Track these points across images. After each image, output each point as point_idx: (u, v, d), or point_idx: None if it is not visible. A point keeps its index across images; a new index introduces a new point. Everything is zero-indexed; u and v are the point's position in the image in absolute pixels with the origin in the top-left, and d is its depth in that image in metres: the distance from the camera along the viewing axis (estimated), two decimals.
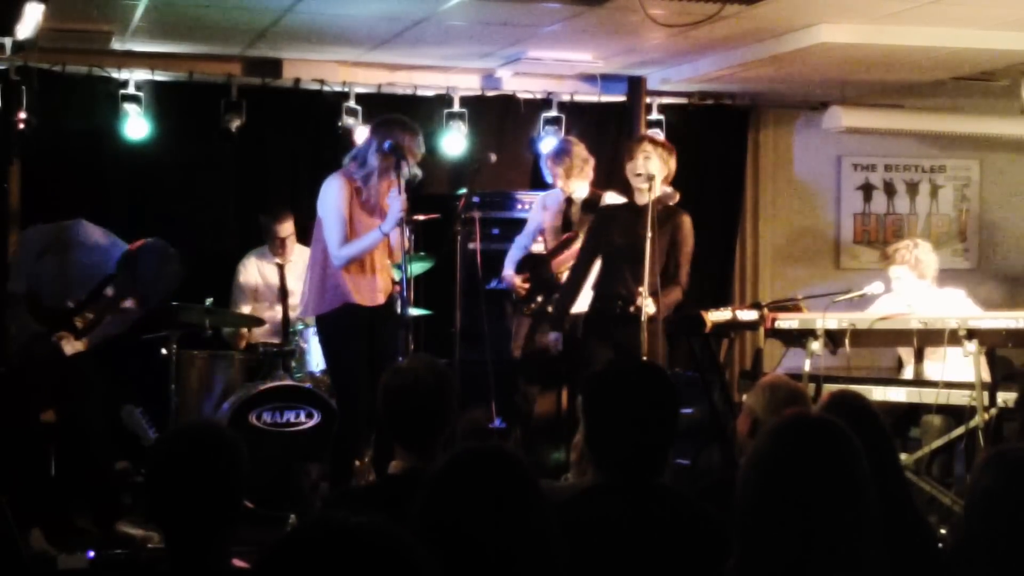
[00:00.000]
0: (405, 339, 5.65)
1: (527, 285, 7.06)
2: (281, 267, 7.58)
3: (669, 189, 6.34)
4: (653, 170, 6.16)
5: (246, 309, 7.52)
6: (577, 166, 6.94)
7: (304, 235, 7.49)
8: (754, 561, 2.19)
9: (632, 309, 6.09)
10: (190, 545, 2.71)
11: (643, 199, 6.17)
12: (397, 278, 5.86)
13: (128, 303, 6.24)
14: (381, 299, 5.88)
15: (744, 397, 4.08)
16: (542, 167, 7.23)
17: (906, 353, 6.64)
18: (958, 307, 6.41)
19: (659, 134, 8.07)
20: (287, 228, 7.50)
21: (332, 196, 5.82)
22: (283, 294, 7.53)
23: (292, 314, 7.41)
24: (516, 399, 7.08)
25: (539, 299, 6.93)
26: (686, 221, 6.34)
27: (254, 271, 7.59)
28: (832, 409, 3.19)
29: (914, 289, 6.61)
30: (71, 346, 6.09)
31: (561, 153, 7.04)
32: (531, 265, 7.05)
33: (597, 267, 6.48)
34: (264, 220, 7.56)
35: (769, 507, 2.20)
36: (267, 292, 7.57)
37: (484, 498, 2.24)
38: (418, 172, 5.80)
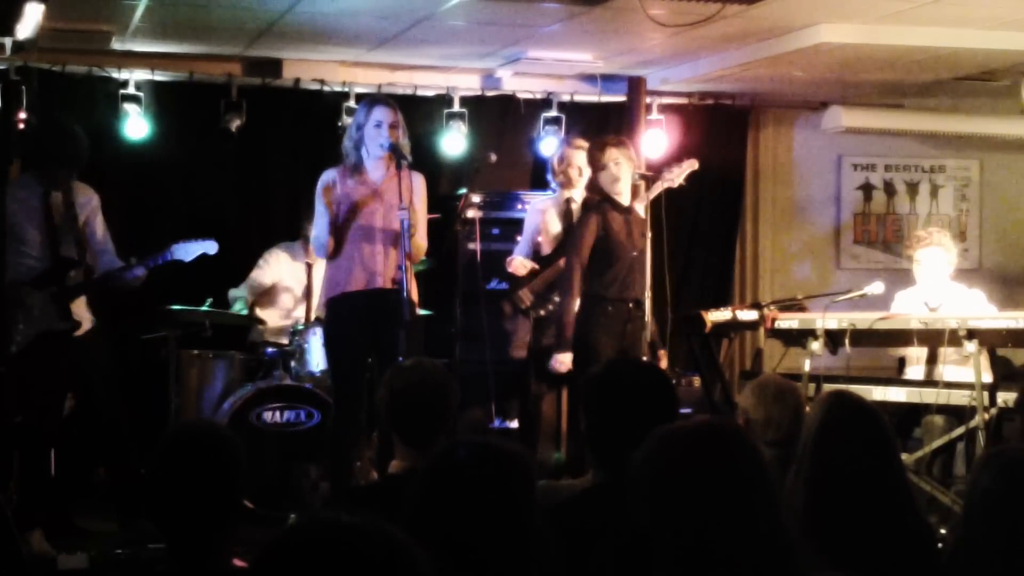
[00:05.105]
0: (409, 339, 5.63)
1: (534, 266, 6.97)
2: (310, 267, 7.51)
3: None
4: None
5: (256, 301, 7.50)
6: (585, 162, 6.94)
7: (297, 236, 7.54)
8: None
9: (637, 309, 6.27)
10: (190, 545, 2.71)
11: (627, 199, 6.44)
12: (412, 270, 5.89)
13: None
14: (379, 283, 5.81)
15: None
16: (552, 163, 7.14)
17: (910, 352, 6.62)
18: (977, 309, 6.38)
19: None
20: None
21: (317, 188, 5.90)
22: (307, 291, 7.51)
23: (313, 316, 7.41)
24: (528, 400, 7.04)
25: (556, 299, 6.87)
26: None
27: (277, 268, 7.53)
28: (830, 410, 3.18)
29: (940, 277, 6.55)
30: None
31: (569, 147, 7.04)
32: (540, 268, 7.00)
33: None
34: (303, 217, 7.54)
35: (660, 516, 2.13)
36: (293, 289, 7.55)
37: (474, 494, 2.23)
38: (404, 144, 5.83)
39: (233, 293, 7.43)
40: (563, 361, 6.30)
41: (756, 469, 2.12)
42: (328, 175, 5.88)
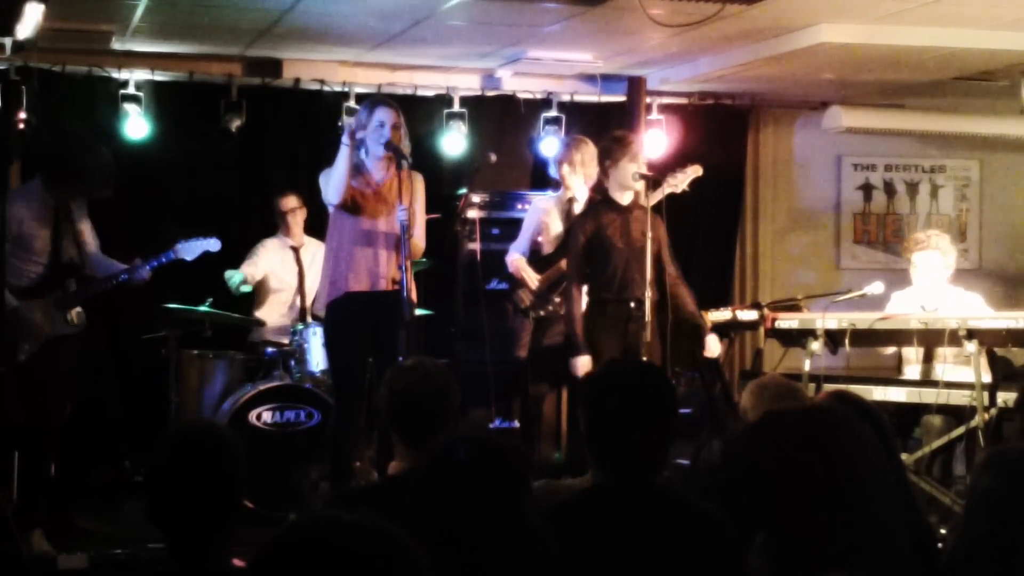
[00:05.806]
0: (408, 340, 5.62)
1: (538, 278, 6.95)
2: (296, 250, 7.56)
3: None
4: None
5: (255, 302, 7.54)
6: (589, 161, 6.87)
7: (310, 231, 7.55)
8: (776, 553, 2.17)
9: (638, 309, 6.21)
10: (190, 545, 2.71)
11: (628, 199, 6.37)
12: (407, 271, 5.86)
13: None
14: (382, 284, 5.83)
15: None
16: (556, 160, 7.11)
17: (907, 353, 6.62)
18: (976, 310, 6.37)
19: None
20: (288, 203, 7.56)
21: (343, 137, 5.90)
22: (300, 279, 7.51)
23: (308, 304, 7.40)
24: (529, 400, 7.03)
25: (557, 300, 6.85)
26: (659, 220, 6.43)
27: (267, 259, 7.52)
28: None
29: (937, 280, 6.55)
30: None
31: (574, 145, 7.00)
32: (540, 268, 7.00)
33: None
34: (273, 200, 7.64)
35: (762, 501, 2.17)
36: (285, 278, 7.55)
37: (470, 489, 2.23)
38: (405, 145, 5.83)
39: (230, 272, 7.40)
40: (582, 364, 6.16)
41: (858, 454, 2.20)
42: None
